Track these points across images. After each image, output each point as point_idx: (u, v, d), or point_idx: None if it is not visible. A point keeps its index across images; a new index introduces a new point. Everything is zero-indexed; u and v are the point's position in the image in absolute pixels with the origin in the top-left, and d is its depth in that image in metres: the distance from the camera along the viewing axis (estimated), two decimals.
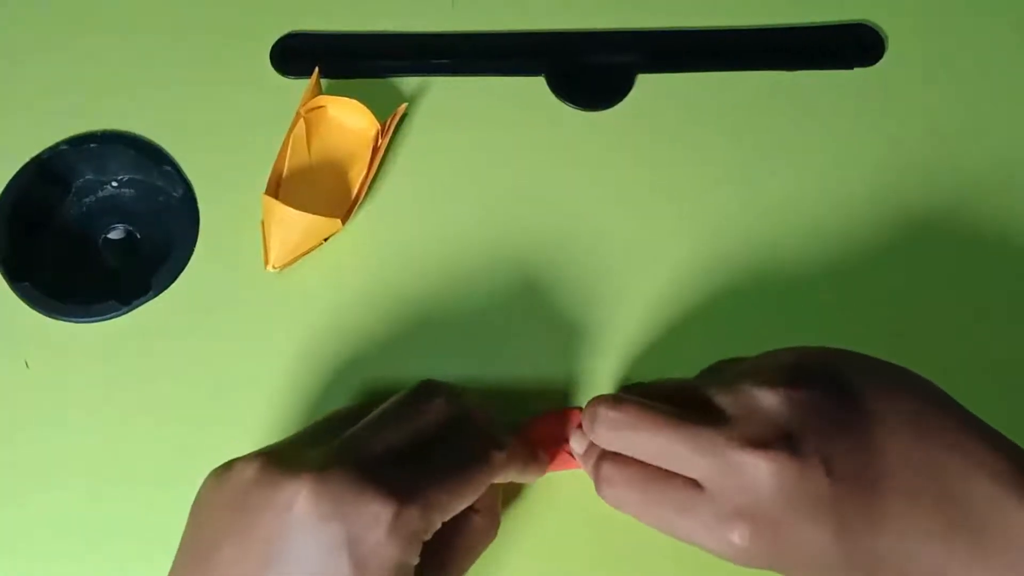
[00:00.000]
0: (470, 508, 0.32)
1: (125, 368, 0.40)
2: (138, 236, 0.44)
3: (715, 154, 0.44)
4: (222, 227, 0.42)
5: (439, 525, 0.29)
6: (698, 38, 0.46)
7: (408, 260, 0.41)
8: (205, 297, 0.41)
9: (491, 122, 0.44)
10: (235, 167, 0.43)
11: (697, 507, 0.30)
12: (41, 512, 0.37)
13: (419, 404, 0.32)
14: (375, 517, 0.28)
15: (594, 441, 0.32)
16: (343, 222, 0.41)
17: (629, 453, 0.31)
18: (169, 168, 0.43)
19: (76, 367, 0.40)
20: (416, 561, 0.29)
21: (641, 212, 0.42)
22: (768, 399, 0.29)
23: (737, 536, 0.29)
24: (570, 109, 0.45)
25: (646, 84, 0.45)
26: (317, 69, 0.44)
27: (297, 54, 0.46)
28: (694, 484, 0.30)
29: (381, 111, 0.43)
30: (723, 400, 0.31)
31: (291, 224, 0.40)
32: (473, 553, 0.33)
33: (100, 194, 0.45)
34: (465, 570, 0.33)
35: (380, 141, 0.43)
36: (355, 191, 0.42)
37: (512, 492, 0.37)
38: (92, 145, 0.44)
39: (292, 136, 0.43)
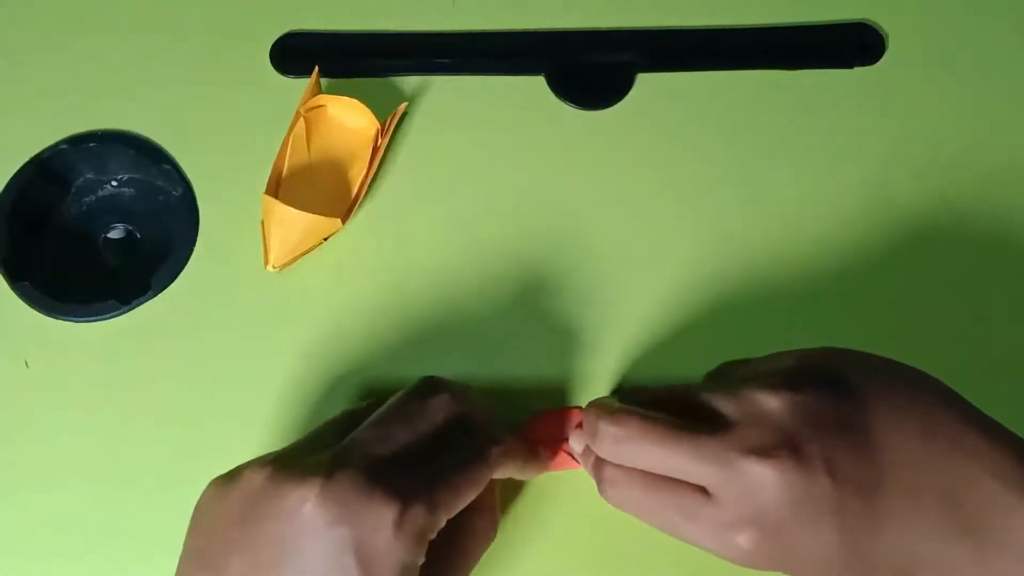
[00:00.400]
0: (469, 508, 0.32)
1: (125, 368, 0.40)
2: (138, 236, 0.44)
3: (715, 153, 0.44)
4: (222, 227, 0.42)
5: (444, 523, 0.30)
6: (698, 37, 0.46)
7: (408, 260, 0.41)
8: (205, 297, 0.41)
9: (491, 122, 0.44)
10: (235, 167, 0.43)
11: (702, 513, 0.30)
12: (41, 512, 0.37)
13: (422, 402, 0.33)
14: (382, 519, 0.28)
15: (597, 454, 0.33)
16: (343, 222, 0.41)
17: (633, 464, 0.31)
18: (169, 168, 0.43)
19: (76, 367, 0.40)
20: (422, 560, 0.29)
21: (641, 211, 0.42)
22: (770, 403, 0.30)
23: (743, 540, 0.29)
24: (570, 108, 0.45)
25: (646, 83, 0.45)
26: (317, 68, 0.44)
27: (297, 53, 0.46)
28: (699, 489, 0.30)
29: (381, 110, 0.43)
30: (725, 406, 0.31)
31: (291, 224, 0.40)
32: (474, 554, 0.33)
33: (100, 193, 0.45)
34: (469, 569, 0.33)
35: (380, 140, 0.43)
36: (355, 190, 0.42)
37: (513, 491, 0.37)
38: (92, 145, 0.44)
39: (292, 135, 0.43)
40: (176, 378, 0.39)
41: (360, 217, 0.42)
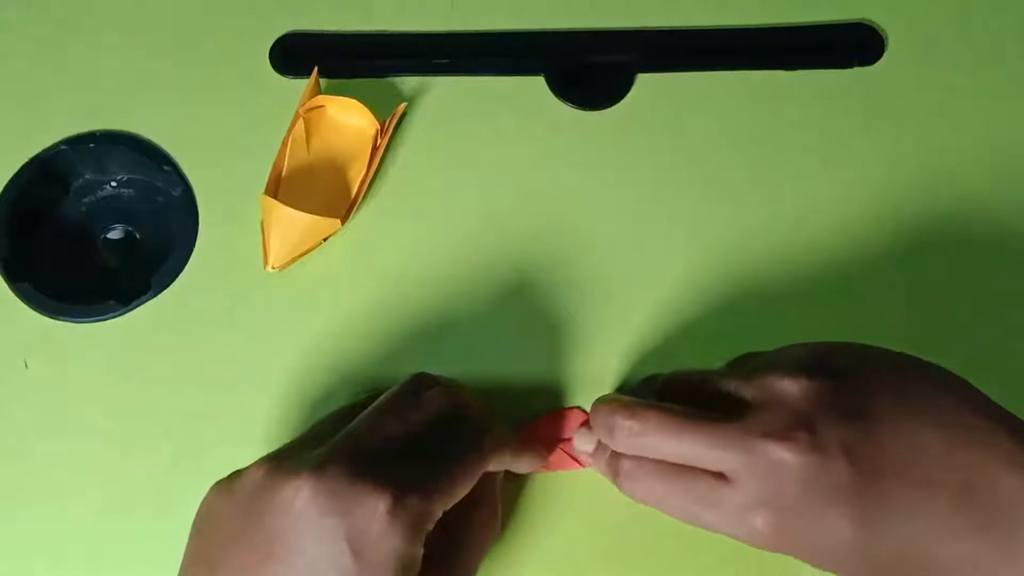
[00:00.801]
0: (471, 502, 0.32)
1: (125, 368, 0.40)
2: (138, 236, 0.44)
3: (715, 154, 0.44)
4: (222, 227, 0.42)
5: (439, 514, 0.30)
6: (698, 38, 0.46)
7: (408, 260, 0.41)
8: (205, 297, 0.41)
9: (491, 122, 0.44)
10: (235, 167, 0.43)
11: (722, 498, 0.30)
12: (41, 511, 0.37)
13: (414, 396, 0.33)
14: (373, 509, 0.28)
15: (613, 448, 0.33)
16: (342, 222, 0.41)
17: (651, 456, 0.32)
18: (169, 168, 0.43)
19: (76, 367, 0.40)
20: (421, 551, 0.29)
21: (641, 212, 0.42)
22: (789, 389, 0.30)
23: (761, 522, 0.29)
24: (570, 109, 0.45)
25: (646, 84, 0.45)
26: (316, 69, 0.44)
27: (296, 54, 0.46)
28: (717, 475, 0.30)
29: (380, 111, 0.43)
30: (745, 391, 0.31)
31: (290, 224, 0.40)
32: (479, 548, 0.33)
33: (100, 194, 0.45)
34: (475, 566, 0.33)
35: (379, 141, 0.43)
36: (354, 191, 0.42)
37: (514, 492, 0.37)
38: (92, 145, 0.44)
39: (291, 136, 0.43)
40: (176, 378, 0.39)
41: (360, 217, 0.42)
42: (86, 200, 0.44)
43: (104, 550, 0.37)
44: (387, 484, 0.28)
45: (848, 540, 0.28)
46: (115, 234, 0.44)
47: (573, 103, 0.45)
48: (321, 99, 0.43)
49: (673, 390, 0.35)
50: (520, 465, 0.35)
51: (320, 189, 0.42)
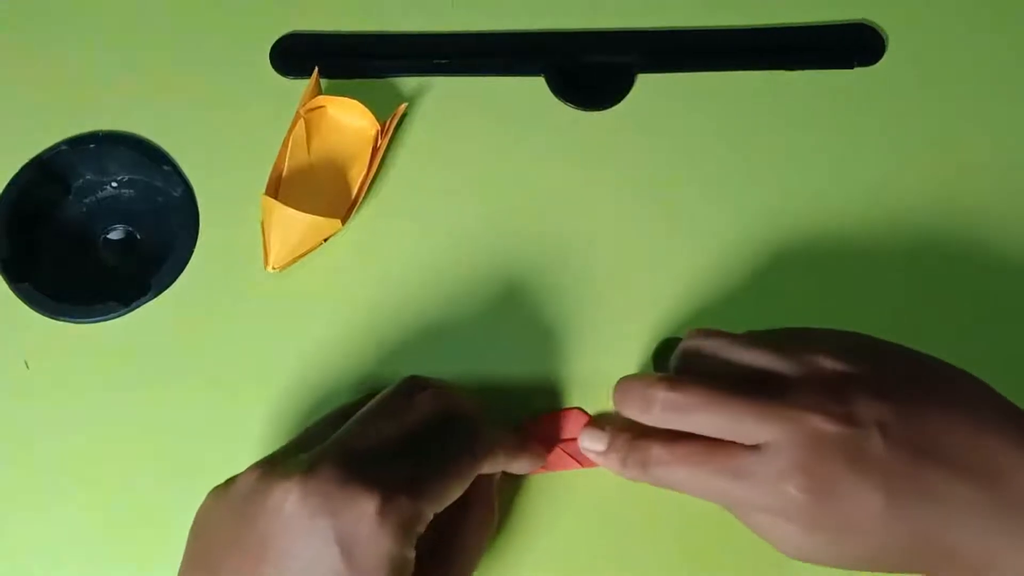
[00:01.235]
0: (466, 503, 0.32)
1: (125, 369, 0.40)
2: (138, 236, 0.44)
3: (715, 154, 0.44)
4: (222, 227, 0.42)
5: (431, 516, 0.30)
6: (698, 38, 0.46)
7: (408, 260, 0.41)
8: (205, 298, 0.41)
9: (491, 122, 0.44)
10: (235, 167, 0.43)
11: (755, 469, 0.30)
12: (40, 511, 0.37)
13: (405, 398, 0.33)
14: (363, 509, 0.28)
15: (647, 422, 0.32)
16: (343, 222, 0.41)
17: (687, 429, 0.32)
18: (169, 168, 0.43)
19: (76, 368, 0.40)
20: (412, 554, 0.29)
21: (641, 212, 0.42)
22: (830, 366, 0.31)
23: (794, 490, 0.29)
24: (570, 109, 0.45)
25: (646, 84, 0.45)
26: (317, 69, 0.44)
27: (297, 54, 0.46)
28: (750, 448, 0.30)
29: (381, 111, 0.43)
30: (783, 367, 0.32)
31: (291, 224, 0.40)
32: (475, 548, 0.33)
33: (100, 194, 0.45)
34: (471, 568, 0.33)
35: (380, 141, 0.43)
36: (355, 191, 0.42)
37: (514, 492, 0.37)
38: (92, 145, 0.44)
39: (292, 136, 0.43)
40: (176, 379, 0.39)
41: (360, 218, 0.42)
42: (86, 200, 0.44)
43: (104, 550, 0.37)
44: (376, 485, 0.29)
45: (877, 513, 0.29)
46: (115, 234, 0.44)
47: (573, 103, 0.45)
48: (322, 99, 0.43)
49: (688, 364, 0.34)
50: (517, 466, 0.35)
51: (321, 189, 0.42)
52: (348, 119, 0.44)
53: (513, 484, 0.37)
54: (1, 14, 0.47)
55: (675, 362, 0.35)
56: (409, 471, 0.30)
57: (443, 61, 0.46)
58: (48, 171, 0.44)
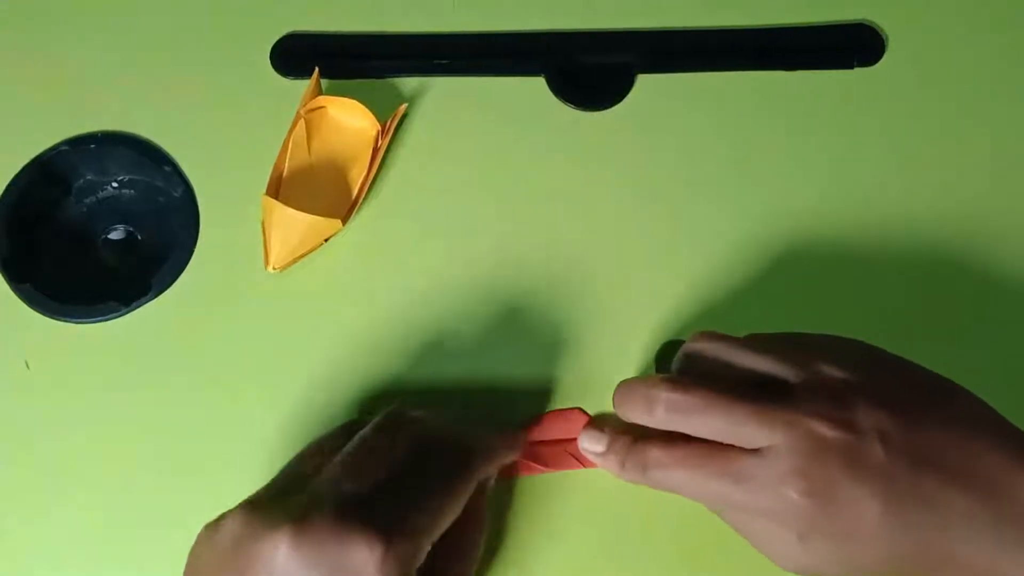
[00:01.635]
0: (458, 521, 0.31)
1: (126, 369, 0.40)
2: (138, 236, 0.44)
3: (715, 154, 0.44)
4: (222, 227, 0.42)
5: (428, 547, 0.29)
6: (698, 38, 0.46)
7: (408, 260, 0.41)
8: (205, 298, 0.41)
9: (491, 122, 0.44)
10: (235, 167, 0.43)
11: (755, 473, 0.30)
12: (40, 511, 0.37)
13: (387, 436, 0.32)
14: (364, 560, 0.27)
15: (649, 423, 0.32)
16: (343, 222, 0.41)
17: (689, 431, 0.32)
18: (169, 168, 0.43)
19: (77, 368, 0.40)
20: None
21: (641, 211, 0.42)
22: (838, 375, 0.31)
23: (793, 491, 0.30)
24: (570, 109, 0.45)
25: (646, 84, 0.45)
26: (317, 69, 0.44)
27: (297, 54, 0.46)
28: (750, 452, 0.31)
29: (381, 111, 0.43)
30: (786, 373, 0.32)
31: (291, 225, 0.40)
32: (468, 556, 0.33)
33: (100, 195, 0.45)
34: (469, 573, 0.33)
35: (380, 141, 0.43)
36: (355, 191, 0.42)
37: (514, 492, 0.37)
38: (92, 145, 0.44)
39: (292, 136, 0.43)
40: (176, 379, 0.39)
41: (360, 218, 0.43)
42: (87, 201, 0.44)
43: (104, 550, 0.37)
44: (375, 531, 0.28)
45: (875, 520, 0.29)
46: (116, 235, 0.44)
47: (573, 103, 0.45)
48: (322, 100, 0.43)
49: (691, 365, 0.34)
50: (501, 464, 0.35)
51: (321, 190, 0.42)
52: (348, 119, 0.44)
53: (513, 484, 0.37)
54: (1, 14, 0.47)
55: (677, 364, 0.35)
56: (402, 508, 0.29)
57: (443, 61, 0.46)
58: (48, 171, 0.44)
